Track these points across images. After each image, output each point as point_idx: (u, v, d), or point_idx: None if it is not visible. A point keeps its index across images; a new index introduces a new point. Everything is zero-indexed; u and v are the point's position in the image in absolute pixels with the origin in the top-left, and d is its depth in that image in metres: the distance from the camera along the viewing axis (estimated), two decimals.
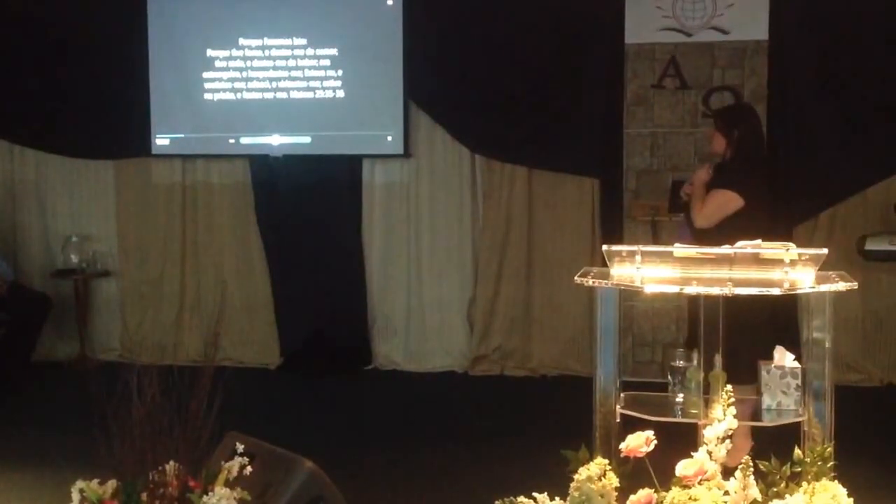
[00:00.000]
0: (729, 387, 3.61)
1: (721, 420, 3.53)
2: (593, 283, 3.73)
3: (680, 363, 3.83)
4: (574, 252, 7.49)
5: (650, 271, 3.69)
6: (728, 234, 4.24)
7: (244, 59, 7.96)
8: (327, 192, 8.00)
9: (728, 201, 4.90)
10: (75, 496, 3.30)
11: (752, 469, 3.43)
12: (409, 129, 7.79)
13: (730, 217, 4.88)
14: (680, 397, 3.82)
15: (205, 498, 3.24)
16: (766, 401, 3.81)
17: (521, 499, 3.60)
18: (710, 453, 3.50)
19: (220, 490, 3.27)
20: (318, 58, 7.88)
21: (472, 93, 7.60)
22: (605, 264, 3.80)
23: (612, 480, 3.55)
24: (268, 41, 7.93)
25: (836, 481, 3.51)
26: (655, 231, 7.18)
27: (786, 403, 3.78)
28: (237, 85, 7.97)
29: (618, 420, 3.80)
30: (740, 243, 3.83)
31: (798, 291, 3.59)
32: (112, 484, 3.31)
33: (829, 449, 3.58)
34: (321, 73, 7.88)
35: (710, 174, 5.09)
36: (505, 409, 6.82)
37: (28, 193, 8.42)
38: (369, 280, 8.06)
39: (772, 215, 5.29)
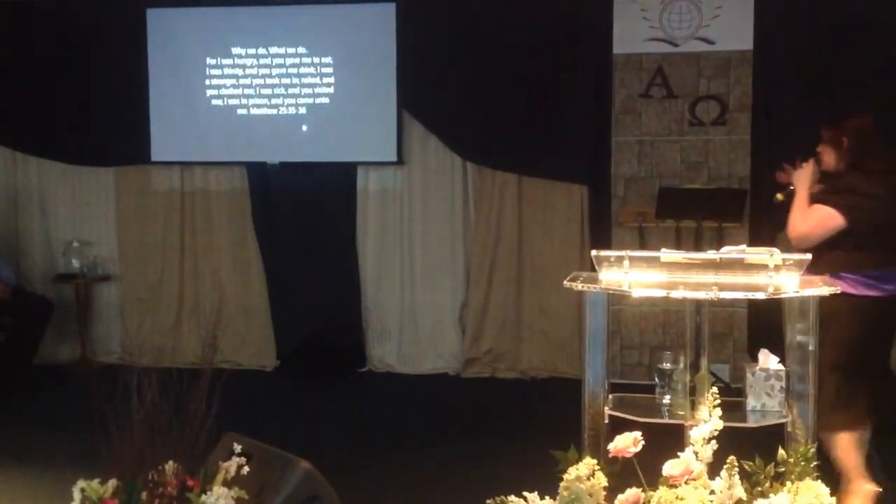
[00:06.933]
0: (714, 388, 3.68)
1: (707, 421, 3.58)
2: (582, 287, 3.74)
3: (667, 366, 3.83)
4: (563, 257, 7.56)
5: (638, 276, 3.70)
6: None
7: (241, 67, 8.02)
8: (322, 199, 8.07)
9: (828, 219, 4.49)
10: (76, 495, 3.30)
11: (736, 469, 3.48)
12: (402, 136, 7.86)
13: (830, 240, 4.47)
14: (667, 399, 3.83)
15: (203, 497, 3.26)
16: (751, 402, 3.83)
17: (512, 498, 3.61)
18: (696, 453, 3.50)
19: (217, 489, 3.28)
20: (314, 66, 7.95)
21: (464, 101, 7.67)
22: (593, 269, 3.82)
23: (601, 480, 3.57)
24: (263, 51, 8.00)
25: (819, 481, 3.53)
26: (643, 237, 7.25)
27: (770, 405, 3.81)
28: (234, 93, 8.03)
29: (606, 421, 3.82)
30: (725, 248, 3.91)
31: (782, 296, 3.61)
32: (113, 483, 3.30)
33: (812, 449, 3.61)
34: (317, 80, 7.95)
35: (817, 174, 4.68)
36: (496, 411, 6.88)
37: (30, 200, 8.46)
38: (364, 284, 8.12)
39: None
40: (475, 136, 7.76)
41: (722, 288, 3.57)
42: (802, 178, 4.67)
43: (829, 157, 4.68)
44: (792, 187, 4.74)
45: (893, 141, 6.87)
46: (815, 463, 3.60)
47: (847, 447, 4.43)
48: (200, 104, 8.09)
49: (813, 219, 4.50)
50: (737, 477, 3.45)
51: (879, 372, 4.64)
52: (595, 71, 7.49)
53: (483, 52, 7.61)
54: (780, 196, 4.81)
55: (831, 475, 4.31)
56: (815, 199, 4.56)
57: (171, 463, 3.31)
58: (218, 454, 3.57)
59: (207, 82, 8.07)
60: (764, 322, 6.69)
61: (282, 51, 7.98)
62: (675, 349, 3.91)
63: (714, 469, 3.52)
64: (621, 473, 3.67)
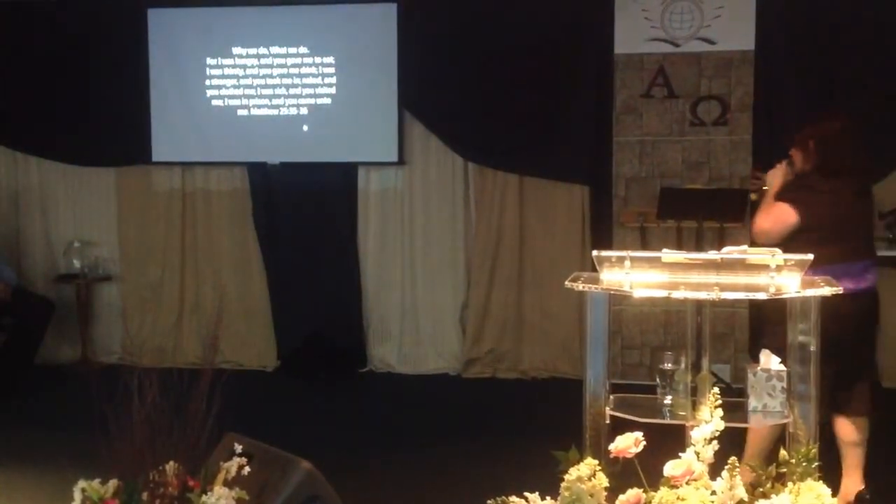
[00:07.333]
0: (716, 389, 3.67)
1: (708, 421, 3.58)
2: (583, 287, 3.72)
3: (668, 366, 3.80)
4: (564, 257, 7.56)
5: (639, 276, 3.67)
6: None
7: (242, 67, 8.02)
8: (323, 199, 8.08)
9: (783, 215, 4.64)
10: (77, 495, 3.32)
11: (738, 469, 3.48)
12: (403, 136, 7.86)
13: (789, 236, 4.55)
14: (668, 399, 3.79)
15: (204, 497, 3.27)
16: (753, 403, 3.80)
17: (513, 498, 3.60)
18: (697, 454, 3.49)
19: (218, 489, 3.29)
20: (315, 66, 7.95)
21: (465, 101, 7.67)
22: (594, 269, 3.80)
23: (602, 480, 3.56)
24: (264, 50, 8.00)
25: (820, 481, 3.52)
26: (644, 237, 7.26)
27: (771, 405, 3.77)
28: (235, 93, 8.04)
29: (607, 421, 3.79)
30: (726, 249, 3.90)
31: (784, 296, 3.60)
32: (113, 483, 3.32)
33: (813, 450, 3.59)
34: (318, 81, 7.95)
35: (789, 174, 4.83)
36: (497, 411, 6.90)
37: (31, 200, 8.47)
38: (364, 284, 8.13)
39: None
40: (476, 137, 7.77)
41: (723, 288, 3.55)
42: (774, 179, 4.86)
43: (798, 159, 4.83)
44: (766, 187, 4.90)
45: (892, 141, 6.97)
46: (816, 463, 3.59)
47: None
48: (201, 104, 8.09)
49: (771, 216, 4.68)
50: (738, 478, 3.45)
51: (841, 373, 4.60)
52: (596, 71, 7.50)
53: (484, 52, 7.61)
54: (753, 196, 5.06)
55: (833, 476, 4.32)
56: (777, 197, 4.73)
57: (171, 463, 3.32)
58: (219, 454, 3.58)
59: (208, 82, 8.07)
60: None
61: (283, 51, 7.98)
62: (677, 349, 3.89)
63: (715, 469, 3.51)
64: (622, 474, 3.66)
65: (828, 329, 4.01)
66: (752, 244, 4.62)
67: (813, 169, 4.73)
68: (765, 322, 4.35)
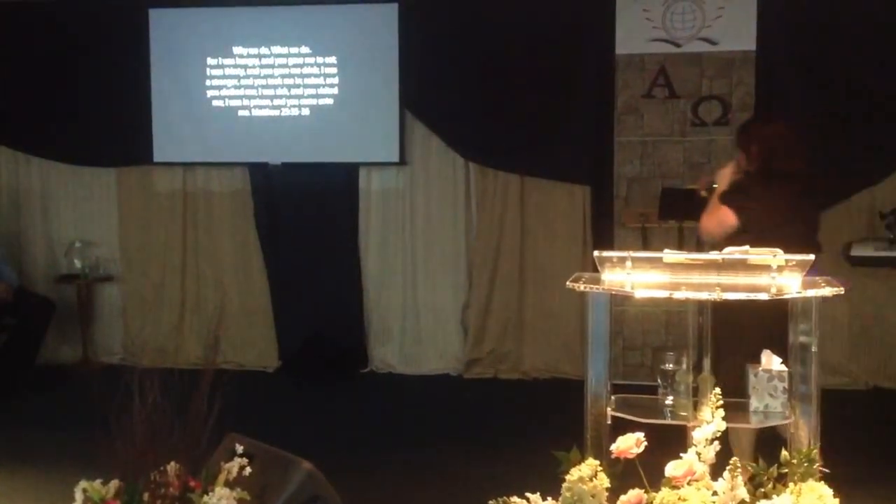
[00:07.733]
0: (717, 389, 3.67)
1: (709, 422, 3.58)
2: (584, 288, 3.72)
3: (669, 366, 3.81)
4: (566, 258, 7.55)
5: (640, 277, 3.67)
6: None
7: (243, 67, 8.02)
8: (325, 200, 8.07)
9: (724, 218, 4.74)
10: (78, 496, 3.33)
11: (739, 470, 3.48)
12: (404, 137, 7.86)
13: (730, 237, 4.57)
14: (669, 400, 3.80)
15: (205, 498, 3.28)
16: (754, 403, 3.82)
17: (514, 499, 3.60)
18: (698, 454, 3.50)
19: (219, 490, 3.31)
20: (316, 66, 7.94)
21: (466, 102, 7.66)
22: (596, 270, 3.79)
23: (603, 481, 3.54)
24: (266, 50, 8.00)
25: (822, 482, 3.51)
26: (645, 237, 7.26)
27: (773, 406, 3.79)
28: (236, 93, 8.03)
29: (608, 422, 3.79)
30: (728, 249, 3.90)
31: (785, 297, 3.59)
32: (115, 484, 3.33)
33: (815, 450, 3.59)
34: (320, 81, 7.94)
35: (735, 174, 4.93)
36: (498, 412, 6.89)
37: (33, 200, 8.48)
38: (366, 285, 8.13)
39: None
40: (477, 137, 7.76)
41: (725, 289, 3.55)
42: (722, 179, 4.97)
43: (743, 161, 4.93)
44: (715, 185, 5.01)
45: (892, 141, 6.97)
46: (818, 464, 3.58)
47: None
48: (203, 105, 8.08)
49: (714, 218, 4.82)
50: (740, 478, 3.44)
51: None
52: (597, 71, 7.50)
53: (486, 52, 7.61)
54: (703, 193, 5.13)
55: (834, 476, 4.31)
56: (720, 199, 4.85)
57: (173, 463, 3.33)
58: (220, 455, 3.59)
59: (209, 83, 8.07)
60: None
61: (284, 51, 7.98)
62: (678, 350, 3.89)
63: (717, 470, 3.51)
64: (623, 474, 3.65)
65: (772, 329, 4.04)
66: (699, 242, 4.86)
67: (755, 171, 4.83)
68: (726, 333, 4.40)
